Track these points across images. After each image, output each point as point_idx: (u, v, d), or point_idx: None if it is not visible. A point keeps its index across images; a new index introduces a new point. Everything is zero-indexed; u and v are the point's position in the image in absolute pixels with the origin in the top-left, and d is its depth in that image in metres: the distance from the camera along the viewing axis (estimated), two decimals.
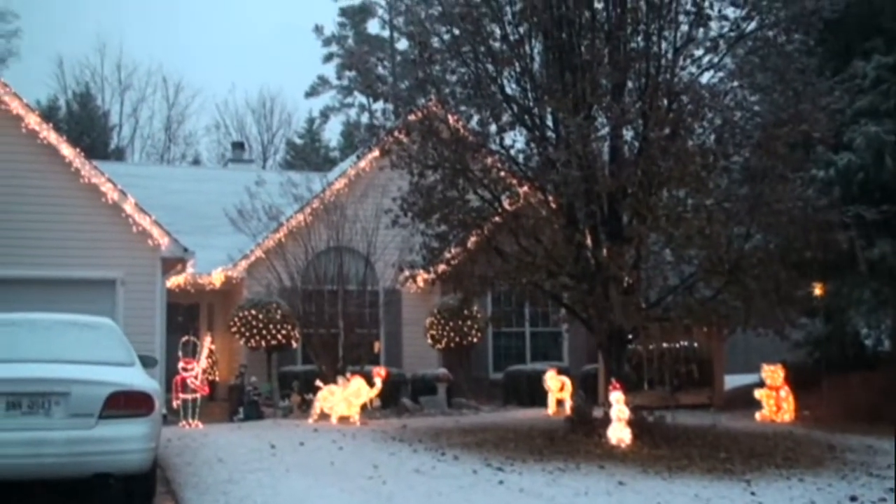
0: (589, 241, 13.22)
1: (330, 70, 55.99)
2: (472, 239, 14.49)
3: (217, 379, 21.21)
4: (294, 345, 19.33)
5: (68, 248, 16.54)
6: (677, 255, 13.00)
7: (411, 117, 13.95)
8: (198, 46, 70.75)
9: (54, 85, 50.65)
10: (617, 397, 12.12)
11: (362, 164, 21.28)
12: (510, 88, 13.55)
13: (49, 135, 16.75)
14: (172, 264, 17.79)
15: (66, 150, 16.78)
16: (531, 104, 13.47)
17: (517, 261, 13.38)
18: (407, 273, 14.93)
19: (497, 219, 13.80)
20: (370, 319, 19.74)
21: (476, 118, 13.68)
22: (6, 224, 16.27)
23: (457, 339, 19.90)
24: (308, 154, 53.04)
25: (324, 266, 18.78)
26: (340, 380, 15.25)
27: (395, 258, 16.85)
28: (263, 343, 18.83)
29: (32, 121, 16.66)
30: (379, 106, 15.26)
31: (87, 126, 47.06)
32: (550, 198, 13.35)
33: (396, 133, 13.99)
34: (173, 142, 53.10)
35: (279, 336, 18.82)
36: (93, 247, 16.74)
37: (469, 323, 19.84)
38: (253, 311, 18.83)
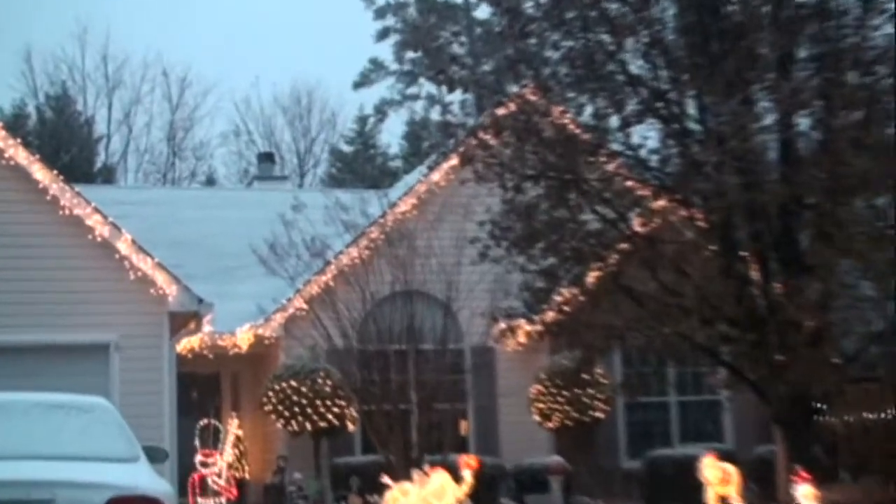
0: (755, 273, 13.08)
1: (386, 50, 56.61)
2: (592, 275, 14.45)
3: (247, 476, 21.40)
4: (350, 427, 19.43)
5: (45, 304, 16.94)
6: (881, 287, 12.77)
7: (500, 111, 14.01)
8: (208, 28, 72.18)
9: (20, 86, 51.99)
10: (805, 492, 11.91)
11: (435, 176, 21.38)
12: (635, 66, 13.55)
13: (16, 153, 17.25)
14: (184, 321, 18.10)
15: (40, 173, 17.25)
16: (666, 86, 13.44)
17: (655, 303, 13.30)
18: (503, 324, 14.94)
19: (625, 246, 13.75)
20: (454, 390, 19.76)
21: (590, 108, 13.69)
22: None
23: (574, 414, 19.77)
24: (360, 165, 53.59)
25: (388, 318, 18.87)
26: (416, 474, 15.26)
27: (486, 304, 16.83)
28: (309, 426, 18.96)
29: None
30: (455, 97, 15.41)
31: (64, 138, 48.27)
32: (698, 214, 13.26)
33: (481, 133, 14.06)
34: (179, 156, 54.10)
35: (329, 416, 18.94)
36: (78, 301, 17.13)
37: (591, 392, 19.71)
38: (293, 383, 19.00)
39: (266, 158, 37.16)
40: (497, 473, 19.01)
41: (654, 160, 13.56)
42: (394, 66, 56.61)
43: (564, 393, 19.77)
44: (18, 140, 17.79)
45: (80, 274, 17.30)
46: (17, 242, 17.08)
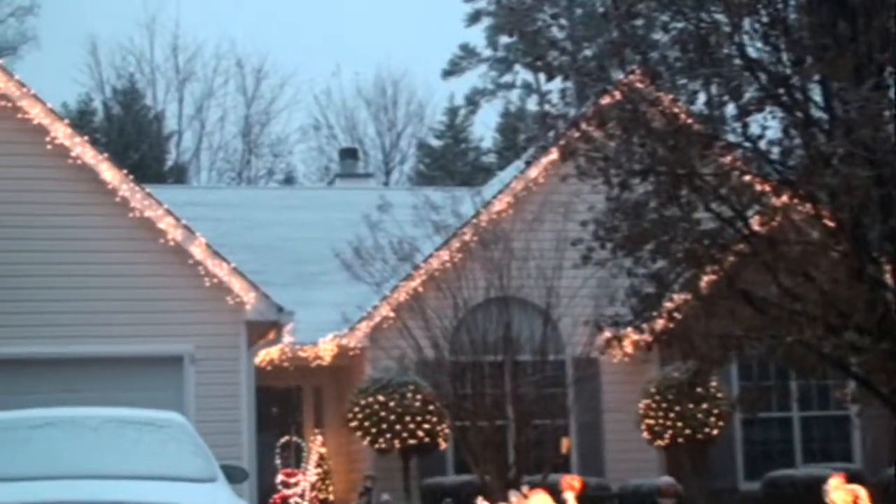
0: (889, 277, 12.88)
1: (478, 35, 56.75)
2: (706, 278, 14.35)
3: (331, 497, 21.54)
4: (442, 445, 19.48)
5: (115, 313, 17.24)
6: None
7: (604, 100, 13.95)
8: (285, 13, 72.79)
9: (86, 80, 52.92)
10: None
11: (533, 172, 21.35)
12: (754, 49, 13.42)
13: (83, 151, 17.54)
14: (262, 331, 18.26)
15: (109, 173, 17.53)
16: (788, 71, 13.30)
17: (777, 310, 13.16)
18: (608, 333, 14.86)
19: (743, 247, 13.62)
20: (554, 404, 19.72)
21: (703, 96, 13.60)
22: (28, 281, 17.09)
23: (687, 431, 19.64)
24: (450, 161, 53.70)
25: (482, 327, 18.88)
26: (514, 496, 15.26)
27: (589, 311, 16.75)
28: (397, 443, 19.04)
29: (61, 133, 17.50)
30: (554, 85, 15.35)
31: (133, 136, 49.02)
32: (825, 212, 13.10)
33: (583, 124, 14.02)
34: (255, 153, 54.64)
35: (419, 433, 18.99)
36: (150, 310, 17.38)
37: (705, 406, 19.56)
38: (380, 397, 19.08)
39: (348, 154, 37.32)
40: (602, 495, 18.95)
41: (775, 152, 13.40)
42: (486, 53, 56.74)
43: (676, 408, 19.63)
44: (85, 138, 18.08)
45: (151, 281, 17.54)
46: (85, 247, 17.38)
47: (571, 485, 15.51)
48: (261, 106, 54.77)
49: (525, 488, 15.58)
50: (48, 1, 52.78)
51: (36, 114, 17.40)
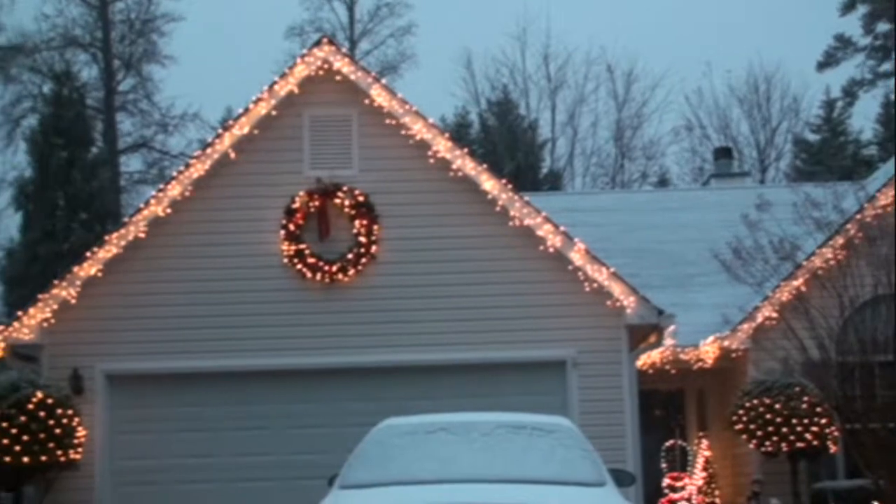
0: None
1: (853, 25, 54.93)
2: None
3: (718, 501, 21.35)
4: (832, 448, 18.97)
5: (497, 320, 17.66)
6: None
7: None
8: (654, 15, 72.69)
9: (462, 93, 54.48)
10: None
11: None
12: None
13: (464, 163, 18.05)
14: (643, 335, 18.28)
15: (488, 183, 17.97)
16: None
17: None
18: None
19: None
20: None
21: None
22: (417, 291, 17.77)
23: None
24: (829, 156, 52.22)
25: (870, 325, 18.33)
26: None
27: None
28: (784, 446, 18.67)
29: (442, 146, 18.07)
30: None
31: (508, 145, 50.03)
32: None
33: None
34: (628, 156, 54.84)
35: (808, 435, 18.54)
36: (531, 315, 17.71)
37: None
38: (766, 399, 18.75)
39: (723, 154, 36.90)
40: None
41: None
42: (863, 42, 54.88)
43: None
44: (465, 150, 18.55)
45: (532, 287, 17.85)
46: (468, 256, 17.88)
47: None
48: (632, 109, 55.07)
49: None
50: (425, 20, 54.83)
51: (418, 129, 18.02)
